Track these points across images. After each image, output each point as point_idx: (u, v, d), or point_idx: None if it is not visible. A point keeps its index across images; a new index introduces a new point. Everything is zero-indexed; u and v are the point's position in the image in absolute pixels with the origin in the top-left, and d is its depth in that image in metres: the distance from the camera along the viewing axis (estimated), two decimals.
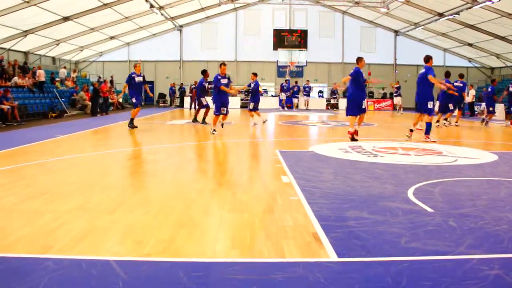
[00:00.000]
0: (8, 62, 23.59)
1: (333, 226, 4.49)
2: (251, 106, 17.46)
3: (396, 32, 38.11)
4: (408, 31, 36.36)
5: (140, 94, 16.58)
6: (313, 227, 4.46)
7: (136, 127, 15.63)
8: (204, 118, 17.75)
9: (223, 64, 14.05)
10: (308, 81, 34.84)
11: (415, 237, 4.21)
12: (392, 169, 7.90)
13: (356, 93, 12.26)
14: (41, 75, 23.82)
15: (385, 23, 36.92)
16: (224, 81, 13.77)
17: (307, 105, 33.48)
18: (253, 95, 17.58)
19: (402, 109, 29.34)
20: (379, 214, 4.96)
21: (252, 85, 17.38)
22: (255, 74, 17.69)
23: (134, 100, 16.01)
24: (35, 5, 21.04)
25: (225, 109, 13.82)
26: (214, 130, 13.35)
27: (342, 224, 4.58)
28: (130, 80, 15.79)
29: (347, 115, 12.62)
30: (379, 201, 5.57)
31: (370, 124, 19.76)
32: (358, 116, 12.39)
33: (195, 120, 18.54)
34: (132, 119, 15.90)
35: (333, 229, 4.40)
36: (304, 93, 34.09)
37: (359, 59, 12.52)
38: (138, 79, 15.74)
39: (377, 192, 6.07)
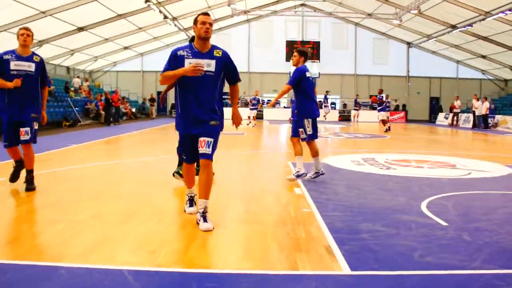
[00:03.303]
0: None
1: (346, 239, 4.46)
2: (307, 131, 7.64)
3: (409, 44, 38.08)
4: (420, 43, 36.32)
5: (19, 103, 6.49)
6: (326, 240, 4.43)
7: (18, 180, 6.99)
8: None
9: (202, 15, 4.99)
10: (256, 91, 27.72)
11: (429, 251, 4.17)
12: (405, 182, 7.86)
13: None
14: None
15: (398, 35, 36.93)
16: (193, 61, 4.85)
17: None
18: (299, 103, 7.72)
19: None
20: (392, 227, 4.93)
21: (298, 80, 7.53)
22: (302, 54, 7.64)
23: None
24: (51, 15, 21.35)
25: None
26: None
27: (355, 236, 4.55)
28: None
29: None
30: (392, 214, 5.53)
31: (383, 136, 19.69)
32: None
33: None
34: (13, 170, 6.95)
35: (346, 241, 4.37)
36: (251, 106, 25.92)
37: None
38: (17, 67, 6.39)
39: (390, 205, 6.04)
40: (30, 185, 6.62)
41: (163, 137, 17.41)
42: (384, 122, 22.50)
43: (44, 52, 25.82)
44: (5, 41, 22.13)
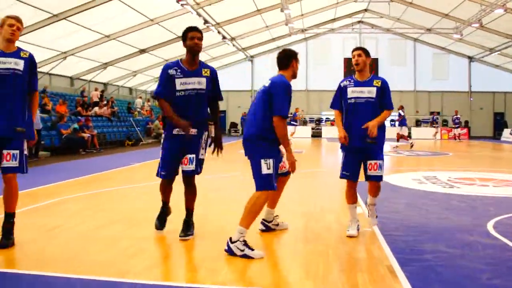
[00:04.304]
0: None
1: (408, 259, 4.35)
2: (383, 164, 5.49)
3: (470, 58, 37.04)
4: (483, 57, 35.24)
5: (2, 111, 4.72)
6: (388, 260, 4.34)
7: None
8: None
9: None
10: (297, 108, 27.69)
11: (497, 273, 4.01)
12: (469, 201, 7.60)
13: None
14: (94, 96, 25.03)
15: (458, 49, 36.02)
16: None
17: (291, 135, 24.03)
18: (381, 127, 5.68)
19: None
20: (457, 247, 4.77)
21: None
22: (369, 54, 5.67)
23: None
24: (114, 39, 22.24)
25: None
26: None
27: (418, 257, 4.43)
28: None
29: None
30: (457, 234, 5.35)
31: (445, 153, 19.16)
32: None
33: None
34: None
35: (408, 262, 4.27)
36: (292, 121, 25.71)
37: None
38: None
39: (454, 225, 5.85)
40: (5, 239, 4.66)
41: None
42: (399, 137, 21.71)
43: (108, 74, 26.99)
44: (73, 64, 23.31)
